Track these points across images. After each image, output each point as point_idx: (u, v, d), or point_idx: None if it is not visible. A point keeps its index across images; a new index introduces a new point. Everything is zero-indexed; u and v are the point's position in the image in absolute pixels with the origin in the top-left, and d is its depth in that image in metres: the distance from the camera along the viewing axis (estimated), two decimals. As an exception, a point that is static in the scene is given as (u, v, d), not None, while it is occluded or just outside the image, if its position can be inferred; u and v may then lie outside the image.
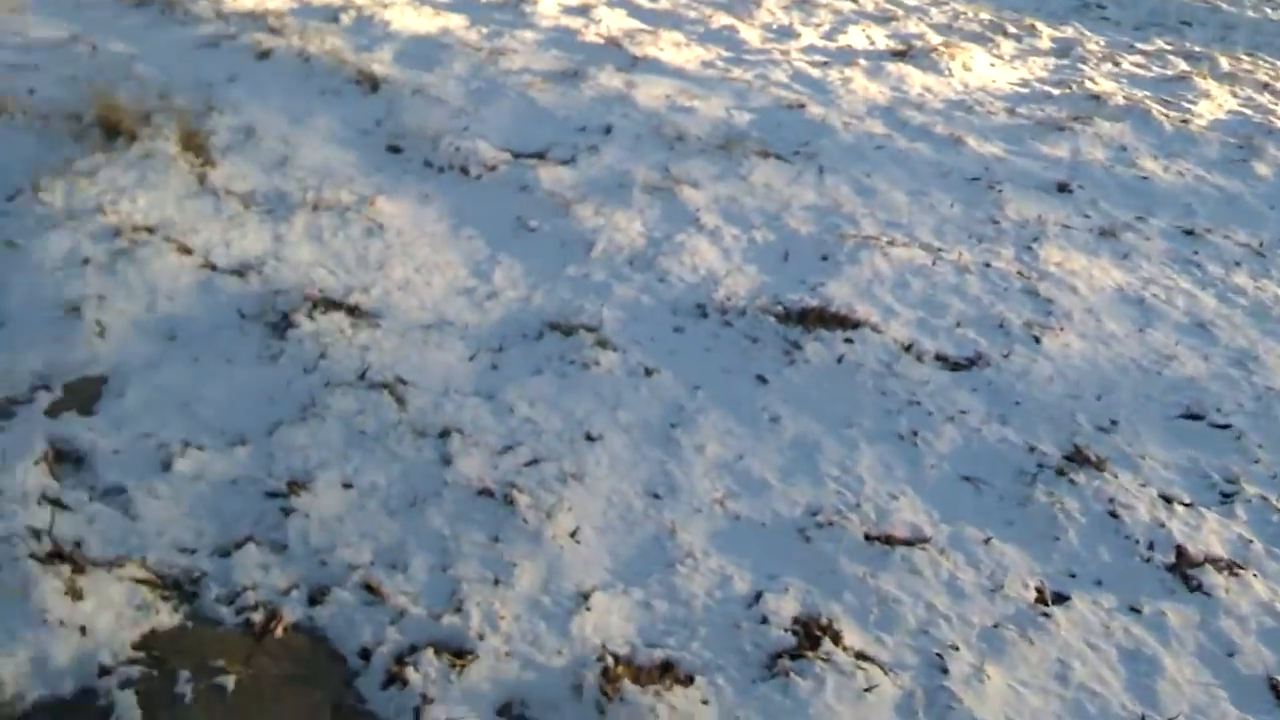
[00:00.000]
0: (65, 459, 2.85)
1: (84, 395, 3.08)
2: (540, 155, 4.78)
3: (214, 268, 3.67)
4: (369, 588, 2.61)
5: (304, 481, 2.88)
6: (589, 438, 3.17)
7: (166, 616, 2.47)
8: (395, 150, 4.71)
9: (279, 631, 2.49)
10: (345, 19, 6.03)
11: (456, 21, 6.32)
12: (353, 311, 3.54)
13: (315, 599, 2.57)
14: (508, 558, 2.72)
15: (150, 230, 3.78)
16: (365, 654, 2.46)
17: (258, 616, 2.50)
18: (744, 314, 3.78)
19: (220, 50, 5.44)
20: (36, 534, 2.55)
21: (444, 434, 3.10)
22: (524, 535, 2.79)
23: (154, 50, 5.31)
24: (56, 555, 2.50)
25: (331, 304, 3.55)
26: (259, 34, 5.56)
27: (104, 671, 2.29)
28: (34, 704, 2.21)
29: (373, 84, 5.18)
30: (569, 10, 6.85)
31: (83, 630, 2.35)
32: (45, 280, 3.45)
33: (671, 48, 6.41)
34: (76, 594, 2.42)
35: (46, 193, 3.84)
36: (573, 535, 2.82)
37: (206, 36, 5.54)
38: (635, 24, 6.85)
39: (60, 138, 4.26)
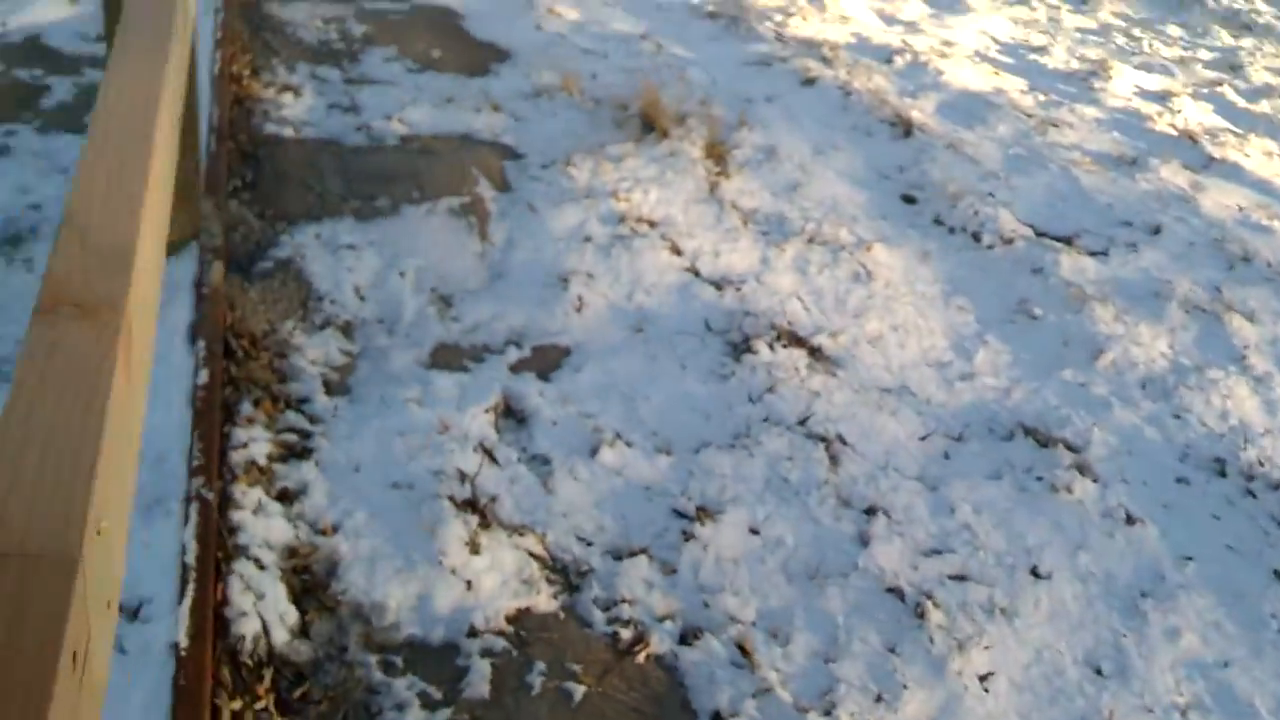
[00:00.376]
0: (511, 415, 2.95)
1: (546, 361, 3.18)
2: (1067, 240, 4.24)
3: (697, 274, 3.66)
4: (742, 648, 2.38)
5: (713, 511, 2.73)
6: (1035, 573, 2.67)
7: (545, 600, 2.43)
8: (909, 200, 4.44)
9: (641, 657, 2.34)
10: (899, 61, 5.86)
11: (1014, 84, 5.88)
12: (814, 353, 3.34)
13: (686, 638, 2.40)
14: (900, 676, 2.34)
15: (652, 224, 3.86)
16: (717, 719, 2.23)
17: (626, 634, 2.38)
18: (1277, 489, 3.01)
19: (769, 70, 5.52)
20: (462, 477, 2.63)
21: (870, 511, 2.79)
22: (925, 658, 2.39)
23: (709, 59, 5.53)
24: (470, 504, 2.57)
25: (796, 339, 3.38)
26: (809, 61, 5.57)
27: (473, 633, 2.29)
28: (405, 639, 2.26)
29: (906, 129, 4.95)
30: (1145, 94, 6.10)
31: (469, 585, 2.38)
32: (548, 247, 3.64)
33: (1260, 155, 5.45)
34: (475, 548, 2.46)
35: (575, 168, 4.09)
36: (982, 680, 2.37)
37: (760, 55, 5.67)
38: (1221, 122, 5.94)
39: (604, 122, 4.54)
